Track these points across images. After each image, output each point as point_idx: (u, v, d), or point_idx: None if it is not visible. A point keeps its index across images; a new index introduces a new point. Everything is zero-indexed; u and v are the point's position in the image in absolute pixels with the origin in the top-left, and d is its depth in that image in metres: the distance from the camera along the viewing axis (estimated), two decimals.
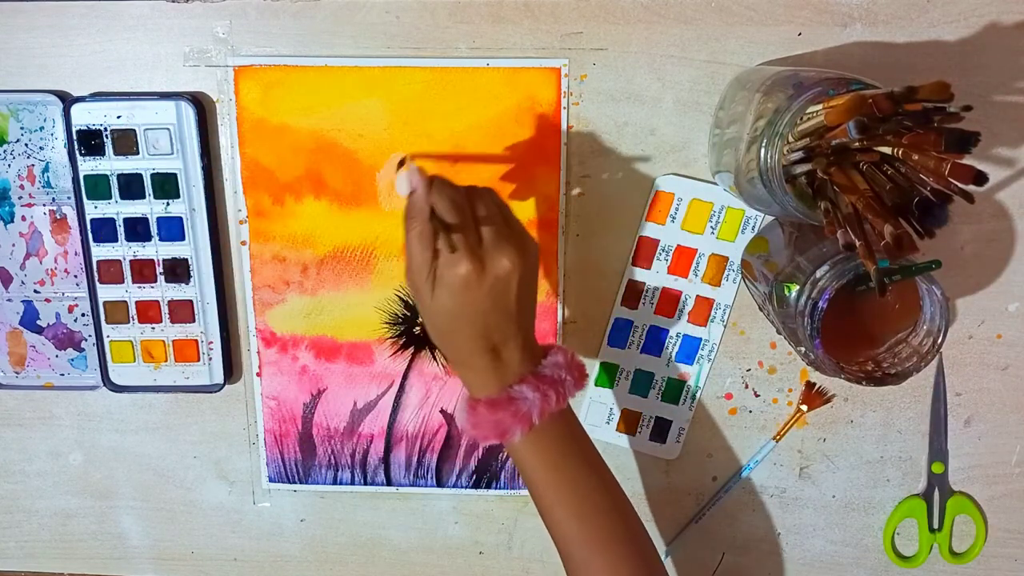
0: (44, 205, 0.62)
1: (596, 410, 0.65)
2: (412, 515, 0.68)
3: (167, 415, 0.66)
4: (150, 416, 0.67)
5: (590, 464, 0.53)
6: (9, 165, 0.61)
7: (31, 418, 0.67)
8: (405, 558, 0.69)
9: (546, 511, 0.52)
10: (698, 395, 0.64)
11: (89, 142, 0.59)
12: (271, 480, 0.67)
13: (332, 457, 0.66)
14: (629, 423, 0.65)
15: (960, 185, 0.42)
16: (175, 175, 0.60)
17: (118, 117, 0.59)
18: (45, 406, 0.67)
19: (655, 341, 0.63)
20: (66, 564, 0.71)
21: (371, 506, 0.68)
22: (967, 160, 0.41)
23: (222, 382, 0.64)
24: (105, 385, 0.65)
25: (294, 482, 0.67)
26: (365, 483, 0.67)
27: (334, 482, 0.67)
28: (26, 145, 0.61)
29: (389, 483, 0.67)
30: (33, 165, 0.61)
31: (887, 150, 0.44)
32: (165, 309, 0.63)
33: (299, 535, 0.69)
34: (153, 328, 0.63)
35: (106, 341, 0.64)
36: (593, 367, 0.64)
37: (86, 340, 0.65)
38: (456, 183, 0.51)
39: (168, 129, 0.59)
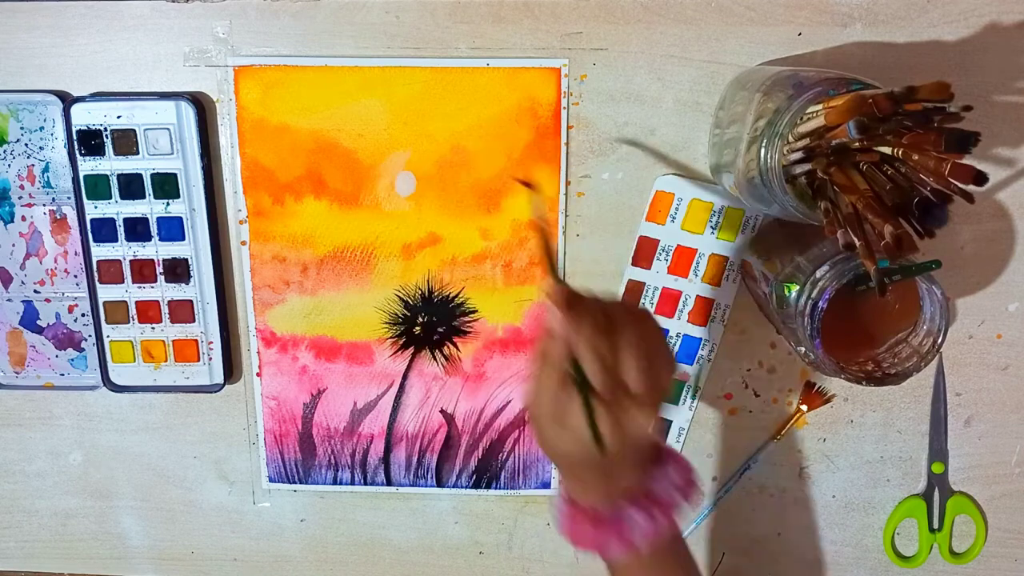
0: (44, 205, 0.62)
1: None
2: (412, 515, 0.68)
3: (167, 415, 0.66)
4: (150, 416, 0.67)
5: None
6: (9, 165, 0.61)
7: (31, 418, 0.67)
8: (405, 558, 0.69)
9: None
10: (698, 395, 0.64)
11: (89, 142, 0.59)
12: (271, 480, 0.67)
13: (332, 457, 0.66)
14: None
15: (960, 185, 0.42)
16: (175, 175, 0.60)
17: (118, 117, 0.59)
18: (45, 406, 0.67)
19: None
20: (66, 564, 0.71)
21: (371, 506, 0.68)
22: (967, 160, 0.41)
23: (222, 382, 0.64)
24: (105, 385, 0.65)
25: (294, 482, 0.67)
26: (365, 483, 0.67)
27: (334, 482, 0.67)
28: (26, 145, 0.61)
29: (389, 483, 0.67)
30: (33, 165, 0.61)
31: (887, 150, 0.44)
32: (165, 309, 0.63)
33: (299, 535, 0.69)
34: (153, 328, 0.63)
35: (106, 341, 0.64)
36: None
37: (86, 340, 0.65)
38: (597, 304, 0.44)
39: (168, 129, 0.59)
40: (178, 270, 0.62)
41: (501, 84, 0.59)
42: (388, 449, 0.66)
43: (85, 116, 0.59)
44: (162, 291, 0.63)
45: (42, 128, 0.60)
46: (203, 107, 0.59)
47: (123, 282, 0.62)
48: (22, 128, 0.60)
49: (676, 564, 0.49)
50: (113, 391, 0.65)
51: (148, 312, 0.63)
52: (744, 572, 0.68)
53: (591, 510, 0.46)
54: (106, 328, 0.63)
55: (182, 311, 0.63)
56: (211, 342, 0.64)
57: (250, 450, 0.67)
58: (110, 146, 0.59)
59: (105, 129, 0.59)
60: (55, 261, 0.63)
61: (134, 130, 0.59)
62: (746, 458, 0.66)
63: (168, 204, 0.61)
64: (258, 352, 0.64)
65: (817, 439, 0.65)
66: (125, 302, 0.63)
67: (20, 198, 0.62)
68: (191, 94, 0.59)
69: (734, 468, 0.66)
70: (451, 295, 0.63)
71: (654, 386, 0.43)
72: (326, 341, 0.64)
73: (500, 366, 0.64)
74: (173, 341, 0.64)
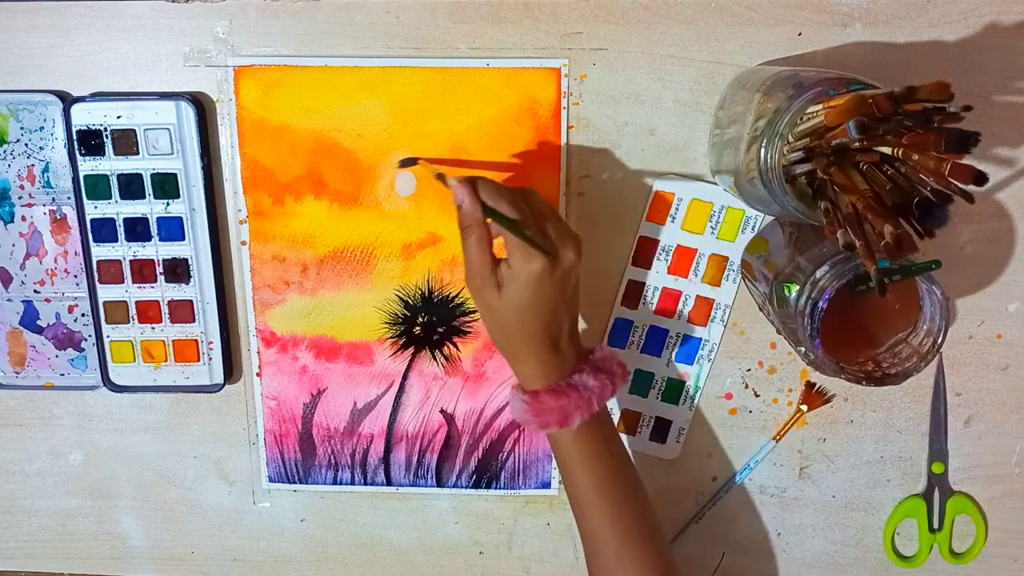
0: (44, 205, 0.62)
1: None
2: (412, 515, 0.68)
3: (167, 415, 0.66)
4: (150, 416, 0.67)
5: (624, 460, 0.56)
6: (9, 165, 0.61)
7: (31, 418, 0.67)
8: (405, 558, 0.69)
9: (582, 501, 0.55)
10: (698, 395, 0.64)
11: (89, 142, 0.59)
12: (271, 480, 0.67)
13: (332, 457, 0.66)
14: (629, 423, 0.65)
15: (960, 185, 0.42)
16: (175, 175, 0.60)
17: (118, 117, 0.59)
18: (45, 406, 0.67)
19: (655, 341, 0.63)
20: (66, 564, 0.71)
21: (371, 506, 0.68)
22: (967, 160, 0.41)
23: (222, 382, 0.64)
24: (105, 385, 0.65)
25: (294, 482, 0.67)
26: (365, 483, 0.67)
27: (334, 482, 0.67)
28: (26, 145, 0.61)
29: (389, 483, 0.67)
30: (33, 165, 0.61)
31: (887, 150, 0.44)
32: (165, 309, 0.63)
33: (299, 535, 0.69)
34: (153, 328, 0.63)
35: (106, 341, 0.64)
36: None
37: (86, 340, 0.65)
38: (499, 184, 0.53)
39: (168, 129, 0.59)
40: (178, 270, 0.62)
41: (501, 84, 0.59)
42: (388, 449, 0.66)
43: (85, 116, 0.59)
44: (162, 291, 0.63)
45: (42, 128, 0.60)
46: (203, 107, 0.59)
47: (123, 282, 0.62)
48: (22, 128, 0.60)
49: (614, 435, 0.57)
50: (113, 391, 0.65)
51: (148, 312, 0.63)
52: (744, 572, 0.68)
53: (549, 388, 0.53)
54: (106, 328, 0.63)
55: (182, 311, 0.63)
56: (211, 342, 0.64)
57: (250, 450, 0.67)
58: (110, 146, 0.59)
59: (105, 129, 0.59)
60: (55, 261, 0.63)
61: (134, 130, 0.59)
62: (746, 458, 0.66)
63: (168, 204, 0.61)
64: (258, 352, 0.64)
65: (817, 439, 0.65)
66: (125, 302, 0.63)
67: (20, 198, 0.62)
68: (191, 94, 0.59)
69: (734, 468, 0.66)
70: (451, 295, 0.63)
71: (560, 219, 0.53)
72: (326, 341, 0.64)
73: (500, 366, 0.64)
74: (173, 341, 0.64)
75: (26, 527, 0.70)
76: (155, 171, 0.60)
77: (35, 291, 0.64)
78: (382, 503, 0.68)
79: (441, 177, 0.53)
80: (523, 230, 0.50)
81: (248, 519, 0.69)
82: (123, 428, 0.67)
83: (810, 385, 0.64)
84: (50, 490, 0.69)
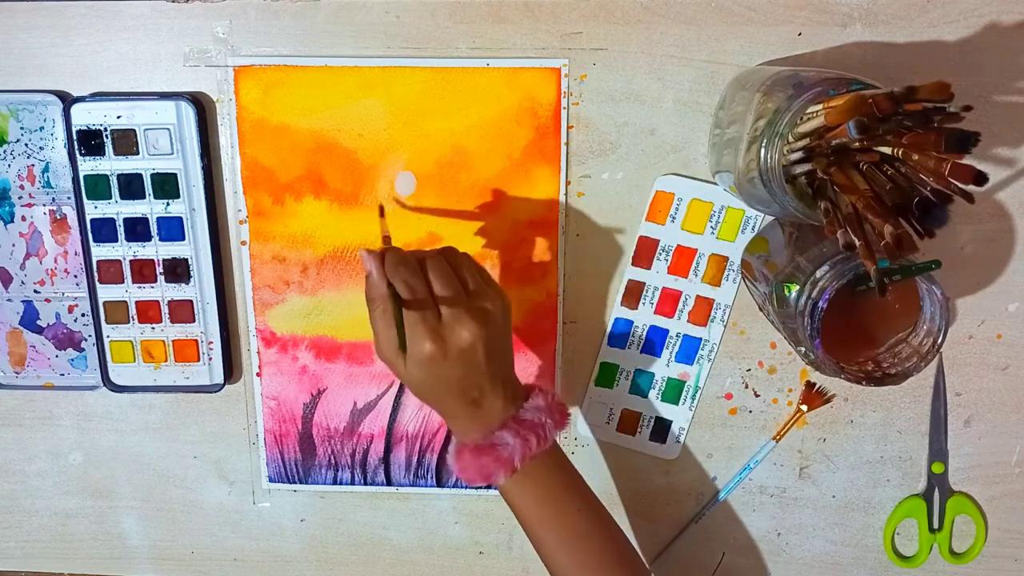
0: (44, 205, 0.62)
1: (596, 410, 0.65)
2: (412, 515, 0.68)
3: (167, 415, 0.66)
4: (150, 416, 0.67)
5: (577, 495, 0.55)
6: (9, 165, 0.61)
7: (31, 418, 0.67)
8: (405, 558, 0.69)
9: (538, 544, 0.54)
10: (698, 395, 0.64)
11: (89, 142, 0.59)
12: (271, 480, 0.67)
13: (332, 457, 0.66)
14: (629, 423, 0.65)
15: (960, 185, 0.42)
16: (175, 175, 0.60)
17: (118, 117, 0.59)
18: (45, 406, 0.67)
19: (655, 341, 0.63)
20: (66, 564, 0.71)
21: (371, 506, 0.68)
22: (967, 160, 0.41)
23: (222, 382, 0.64)
24: (105, 385, 0.65)
25: (294, 482, 0.67)
26: (365, 483, 0.67)
27: (334, 482, 0.67)
28: (26, 145, 0.61)
29: (389, 483, 0.67)
30: (33, 165, 0.61)
31: (887, 150, 0.44)
32: (165, 309, 0.63)
33: (299, 535, 0.69)
34: (153, 328, 0.63)
35: (106, 341, 0.64)
36: (593, 367, 0.64)
37: (86, 340, 0.65)
38: (408, 252, 0.52)
39: (168, 129, 0.59)
40: (178, 270, 0.62)
41: (501, 84, 0.59)
42: (388, 449, 0.66)
43: (85, 116, 0.59)
44: (162, 291, 0.63)
45: (42, 128, 0.60)
46: (203, 107, 0.59)
47: (123, 282, 0.62)
48: (22, 128, 0.60)
49: (560, 474, 0.54)
50: (113, 391, 0.65)
51: (148, 312, 0.63)
52: (744, 572, 0.68)
53: (472, 444, 0.52)
54: (106, 328, 0.63)
55: (182, 311, 0.63)
56: (211, 342, 0.64)
57: (250, 450, 0.67)
58: (110, 146, 0.59)
59: (105, 129, 0.59)
60: (55, 261, 0.63)
61: (134, 130, 0.59)
62: (746, 458, 0.66)
63: (168, 204, 0.61)
64: (258, 352, 0.64)
65: (817, 439, 0.65)
66: (125, 302, 0.63)
67: (20, 198, 0.62)
68: (191, 94, 0.59)
69: (734, 468, 0.66)
70: None
71: (470, 287, 0.51)
72: (326, 341, 0.64)
73: None
74: (173, 341, 0.64)
75: (26, 527, 0.70)
76: (155, 171, 0.60)
77: (35, 291, 0.64)
78: (382, 503, 0.68)
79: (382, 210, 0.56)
80: (399, 313, 0.49)
81: (248, 519, 0.69)
82: (123, 428, 0.67)
83: (810, 385, 0.64)
84: (50, 490, 0.69)
